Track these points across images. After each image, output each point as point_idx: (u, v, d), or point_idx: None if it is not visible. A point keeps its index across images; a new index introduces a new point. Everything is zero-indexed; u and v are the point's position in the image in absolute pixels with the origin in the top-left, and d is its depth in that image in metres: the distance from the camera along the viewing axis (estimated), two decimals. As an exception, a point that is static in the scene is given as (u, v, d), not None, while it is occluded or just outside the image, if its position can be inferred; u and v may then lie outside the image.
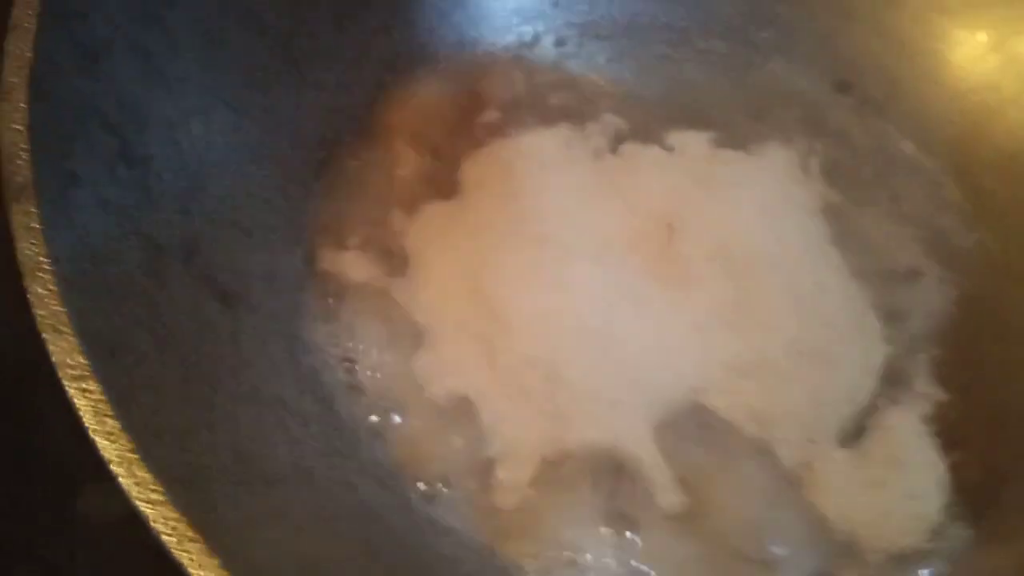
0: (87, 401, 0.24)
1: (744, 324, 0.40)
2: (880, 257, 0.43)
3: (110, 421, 0.23)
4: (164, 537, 0.22)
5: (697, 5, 0.49)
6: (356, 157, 0.43)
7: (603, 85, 0.47)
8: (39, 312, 0.24)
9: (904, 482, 0.38)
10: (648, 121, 0.46)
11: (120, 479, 0.23)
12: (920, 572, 0.36)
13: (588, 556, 0.35)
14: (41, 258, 0.25)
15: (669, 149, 0.45)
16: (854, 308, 0.42)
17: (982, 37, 0.47)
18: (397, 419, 0.37)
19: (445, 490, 0.36)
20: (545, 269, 0.41)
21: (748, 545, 0.36)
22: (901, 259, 0.43)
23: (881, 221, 0.44)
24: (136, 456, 0.23)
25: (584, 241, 0.42)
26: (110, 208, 0.31)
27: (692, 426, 0.38)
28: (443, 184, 0.43)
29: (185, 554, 0.23)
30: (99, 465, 0.24)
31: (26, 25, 0.29)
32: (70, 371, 0.24)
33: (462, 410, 0.38)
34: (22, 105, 0.28)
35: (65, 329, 0.24)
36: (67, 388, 0.23)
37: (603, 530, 0.36)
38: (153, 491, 0.23)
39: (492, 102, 0.45)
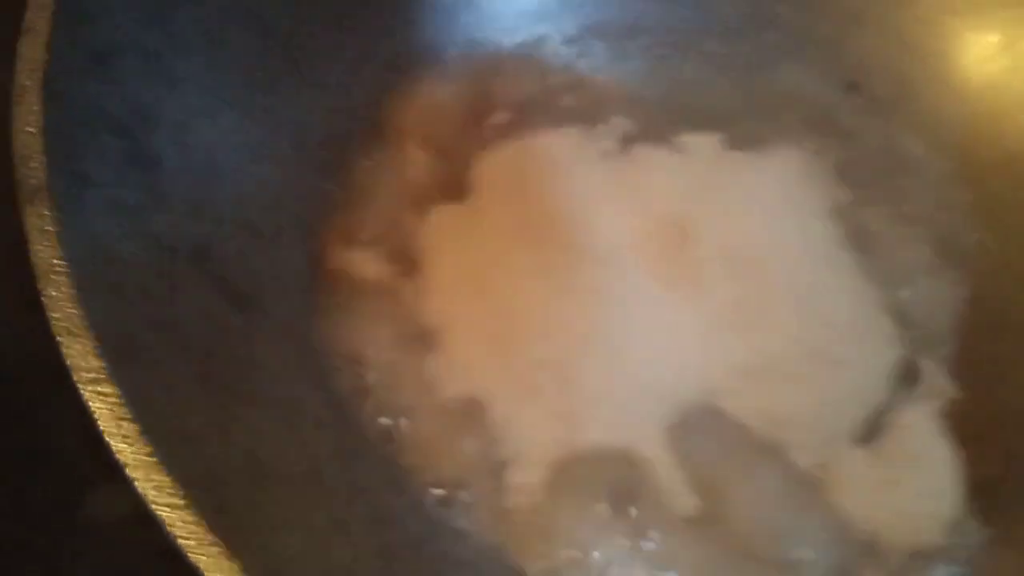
0: (103, 404, 0.23)
1: (755, 326, 0.40)
2: (890, 258, 0.43)
3: (127, 424, 0.23)
4: (182, 541, 0.22)
5: (704, 6, 0.49)
6: (365, 158, 0.43)
7: (611, 86, 0.47)
8: (54, 315, 0.24)
9: (921, 480, 0.38)
10: (657, 122, 0.46)
11: (137, 483, 0.23)
12: (940, 569, 0.36)
13: (602, 559, 0.35)
14: (55, 260, 0.25)
15: (678, 151, 0.45)
16: (865, 309, 0.41)
17: (992, 38, 0.46)
18: (408, 422, 0.37)
19: (458, 493, 0.36)
20: (555, 271, 0.41)
21: (766, 547, 0.35)
22: (911, 260, 0.43)
23: (890, 222, 0.44)
24: (153, 460, 0.23)
25: (594, 243, 0.42)
26: (121, 210, 0.31)
27: (704, 428, 0.38)
28: (453, 185, 0.43)
29: (204, 558, 0.22)
30: (105, 467, 0.24)
31: (39, 28, 0.29)
32: (86, 374, 0.24)
33: (473, 413, 0.38)
34: (35, 108, 0.28)
35: (80, 332, 0.24)
36: (82, 391, 0.23)
37: (617, 533, 0.35)
38: (171, 495, 0.23)
39: (501, 103, 0.45)
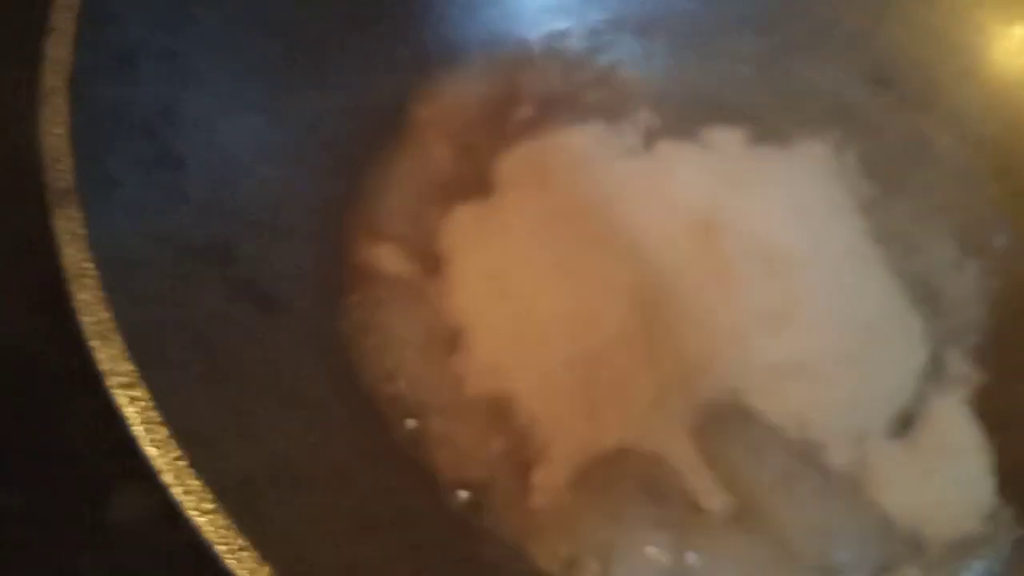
0: (136, 409, 0.23)
1: (784, 324, 0.40)
2: (918, 253, 0.43)
3: (158, 428, 0.23)
4: (215, 546, 0.22)
5: (729, 0, 0.48)
6: (388, 157, 0.42)
7: (635, 81, 0.47)
8: (85, 319, 0.24)
9: (956, 470, 0.38)
10: (682, 117, 0.45)
11: (171, 488, 0.22)
12: (981, 558, 0.36)
13: (630, 560, 0.35)
14: (86, 264, 0.25)
15: (704, 146, 0.45)
16: (893, 304, 0.41)
17: (1021, 31, 0.46)
18: (434, 422, 0.37)
19: (484, 493, 0.36)
20: (580, 269, 0.41)
21: (805, 547, 0.35)
22: (940, 254, 0.43)
23: (918, 216, 0.43)
24: (184, 464, 0.23)
25: (619, 240, 0.41)
26: (148, 212, 0.31)
27: (734, 428, 0.37)
28: (477, 183, 0.43)
29: (236, 562, 0.22)
30: (128, 468, 0.24)
31: (65, 28, 0.29)
32: (118, 379, 0.24)
33: (499, 412, 0.37)
34: (63, 109, 0.28)
35: (112, 336, 0.24)
36: (115, 396, 0.23)
37: (646, 534, 0.35)
38: (203, 499, 0.23)
39: (524, 99, 0.45)
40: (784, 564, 0.35)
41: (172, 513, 0.23)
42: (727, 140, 0.45)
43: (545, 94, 0.45)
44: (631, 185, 0.43)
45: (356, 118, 0.42)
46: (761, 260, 0.41)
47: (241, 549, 0.23)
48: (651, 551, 0.35)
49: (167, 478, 0.23)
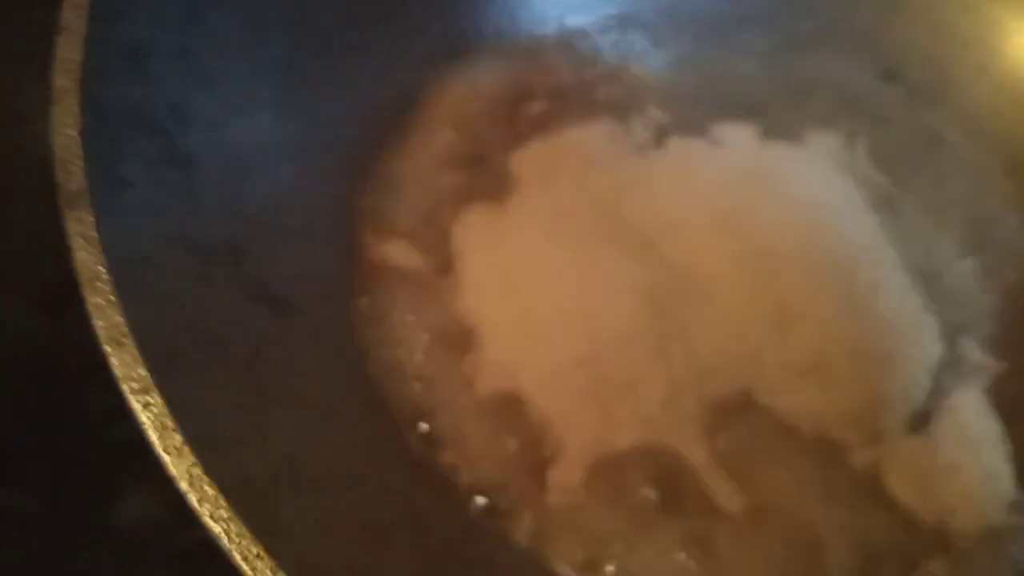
0: (150, 414, 0.23)
1: (797, 321, 0.40)
2: (931, 248, 0.42)
3: (173, 434, 0.23)
4: (235, 555, 0.22)
5: (740, -5, 0.48)
6: (399, 154, 0.42)
7: (646, 77, 0.46)
8: (99, 323, 0.24)
9: (978, 461, 0.38)
10: (693, 114, 0.45)
11: (187, 495, 0.22)
12: (1009, 548, 0.36)
13: (647, 561, 0.34)
14: (99, 267, 0.25)
15: (715, 142, 0.44)
16: (908, 300, 0.41)
17: (1036, 27, 0.46)
18: (446, 423, 0.37)
19: (497, 495, 0.35)
20: (592, 267, 0.40)
21: (826, 546, 0.35)
22: (952, 249, 0.42)
23: (931, 212, 0.43)
24: (201, 471, 0.23)
25: (631, 238, 0.41)
26: (159, 213, 0.30)
27: (748, 427, 0.37)
28: (487, 181, 0.42)
29: (251, 570, 0.22)
30: (138, 469, 0.23)
31: (75, 27, 0.29)
32: (133, 384, 0.23)
33: (511, 413, 0.37)
34: (74, 109, 0.27)
35: (127, 341, 0.24)
36: (131, 402, 0.23)
37: (663, 534, 0.35)
38: (219, 507, 0.22)
39: (535, 96, 0.45)
40: (804, 564, 0.35)
41: (183, 514, 0.23)
42: (738, 136, 0.45)
43: (556, 91, 0.45)
44: (642, 182, 0.43)
45: (367, 116, 0.41)
46: (773, 257, 0.41)
47: (257, 556, 0.22)
48: (667, 551, 0.34)
49: (182, 485, 0.22)
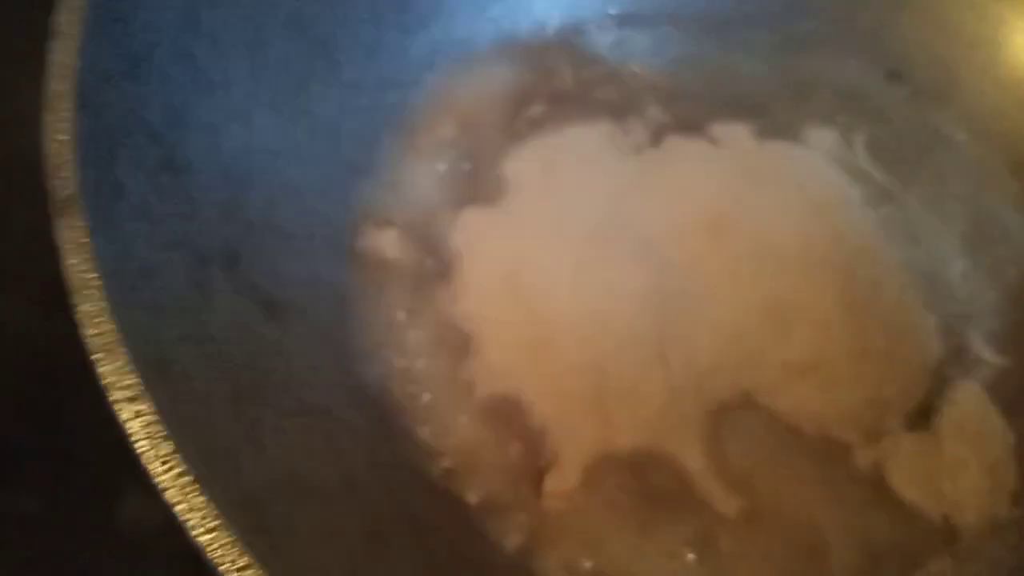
0: (139, 423, 0.23)
1: (797, 321, 0.39)
2: (932, 246, 0.42)
3: (162, 444, 0.23)
4: (219, 565, 0.22)
5: (740, -6, 0.48)
6: (399, 156, 0.42)
7: (645, 76, 0.46)
8: (89, 331, 0.24)
9: (981, 455, 0.38)
10: (691, 113, 0.45)
11: (176, 507, 0.22)
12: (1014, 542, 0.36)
13: (646, 565, 0.34)
14: (89, 275, 0.25)
15: (714, 142, 0.44)
16: (908, 298, 0.41)
17: (1042, 26, 0.45)
18: (444, 427, 0.36)
19: (495, 499, 0.35)
20: (589, 269, 0.40)
21: (830, 546, 0.35)
22: (953, 248, 0.42)
23: (932, 211, 0.43)
24: (189, 480, 0.23)
25: (629, 239, 0.41)
26: (154, 219, 0.30)
27: (748, 428, 0.37)
28: (485, 183, 0.42)
29: (239, 582, 0.22)
30: (136, 474, 0.23)
31: (70, 31, 0.29)
32: (121, 392, 0.23)
33: (510, 417, 0.37)
34: (67, 115, 0.27)
35: (115, 348, 0.24)
36: (119, 411, 0.23)
37: (662, 538, 0.35)
38: (208, 517, 0.22)
39: (534, 97, 0.45)
40: (807, 564, 0.35)
41: (181, 519, 0.23)
42: (737, 135, 0.45)
43: (555, 90, 0.45)
44: (641, 182, 0.43)
45: (364, 119, 0.41)
46: (772, 256, 0.41)
47: (246, 567, 0.22)
48: (667, 555, 0.34)
49: (170, 495, 0.22)
